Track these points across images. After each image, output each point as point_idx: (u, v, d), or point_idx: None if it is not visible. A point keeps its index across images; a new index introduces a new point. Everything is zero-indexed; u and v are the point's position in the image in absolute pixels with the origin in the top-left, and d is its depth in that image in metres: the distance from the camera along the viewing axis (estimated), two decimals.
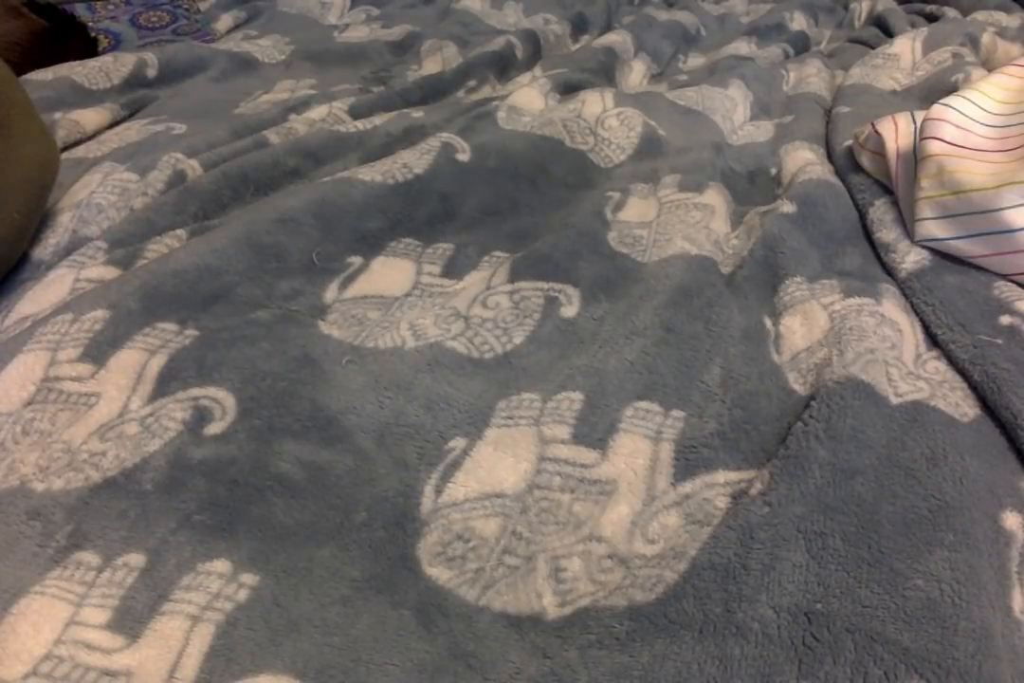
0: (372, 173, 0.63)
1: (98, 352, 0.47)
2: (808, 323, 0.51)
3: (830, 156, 0.76)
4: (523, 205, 0.65)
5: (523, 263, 0.57)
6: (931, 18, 1.16)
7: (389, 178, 0.63)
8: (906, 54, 0.97)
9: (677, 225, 0.63)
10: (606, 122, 0.77)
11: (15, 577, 0.37)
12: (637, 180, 0.71)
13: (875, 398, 0.44)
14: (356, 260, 0.58)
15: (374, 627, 0.36)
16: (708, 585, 0.37)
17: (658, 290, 0.54)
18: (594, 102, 0.79)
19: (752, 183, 0.76)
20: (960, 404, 0.46)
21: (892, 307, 0.53)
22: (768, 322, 0.53)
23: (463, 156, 0.68)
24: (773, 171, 0.77)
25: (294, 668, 0.34)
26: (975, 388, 0.47)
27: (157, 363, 0.47)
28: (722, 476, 0.42)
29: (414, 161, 0.65)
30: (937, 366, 0.49)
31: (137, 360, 0.47)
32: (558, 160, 0.72)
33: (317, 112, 0.80)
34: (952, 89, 0.83)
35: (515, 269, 0.56)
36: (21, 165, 0.60)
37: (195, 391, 0.45)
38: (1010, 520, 0.40)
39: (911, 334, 0.51)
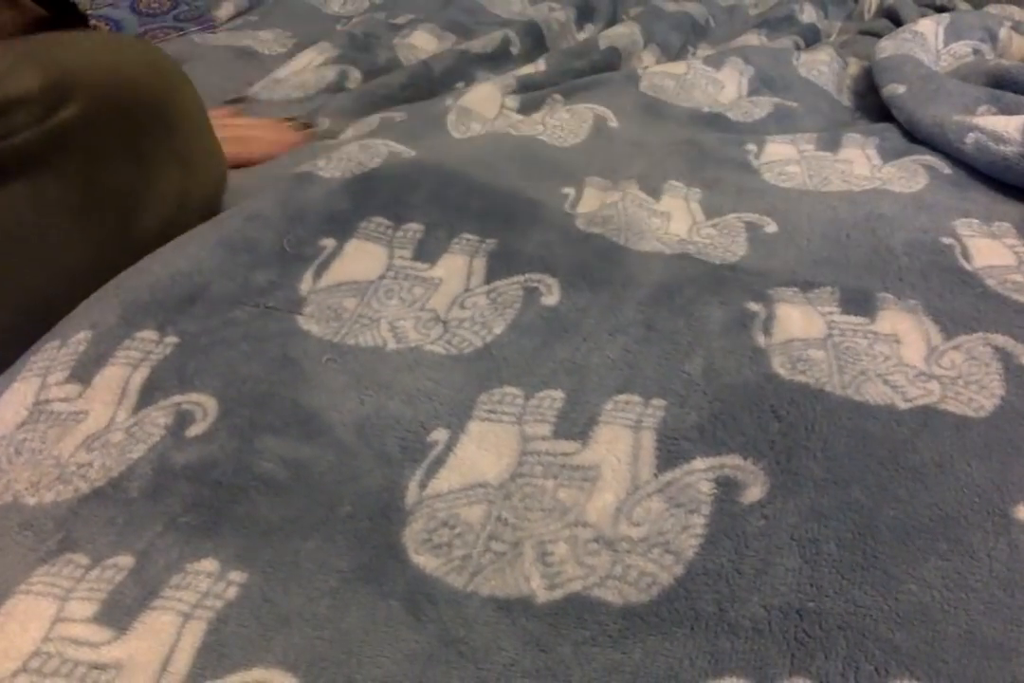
0: (331, 170, 0.62)
1: (84, 372, 0.47)
2: (807, 320, 0.51)
3: None
4: (491, 185, 0.63)
5: (497, 260, 0.56)
6: (942, 11, 1.15)
7: (347, 174, 0.62)
8: (930, 36, 0.95)
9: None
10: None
11: (3, 580, 0.37)
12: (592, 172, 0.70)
13: (873, 414, 0.44)
14: (329, 242, 0.57)
15: (364, 619, 0.36)
16: (700, 587, 0.37)
17: (641, 284, 0.54)
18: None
19: None
20: (975, 398, 0.45)
21: (891, 318, 0.51)
22: (755, 306, 0.52)
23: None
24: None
25: (286, 662, 0.34)
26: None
27: (140, 376, 0.47)
28: (701, 463, 0.43)
29: (367, 160, 0.65)
30: (954, 358, 0.48)
31: (120, 375, 0.47)
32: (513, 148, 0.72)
33: None
34: None
35: (491, 268, 0.56)
36: (200, 192, 0.58)
37: (177, 398, 0.45)
38: (1022, 512, 0.40)
39: (919, 333, 0.50)
